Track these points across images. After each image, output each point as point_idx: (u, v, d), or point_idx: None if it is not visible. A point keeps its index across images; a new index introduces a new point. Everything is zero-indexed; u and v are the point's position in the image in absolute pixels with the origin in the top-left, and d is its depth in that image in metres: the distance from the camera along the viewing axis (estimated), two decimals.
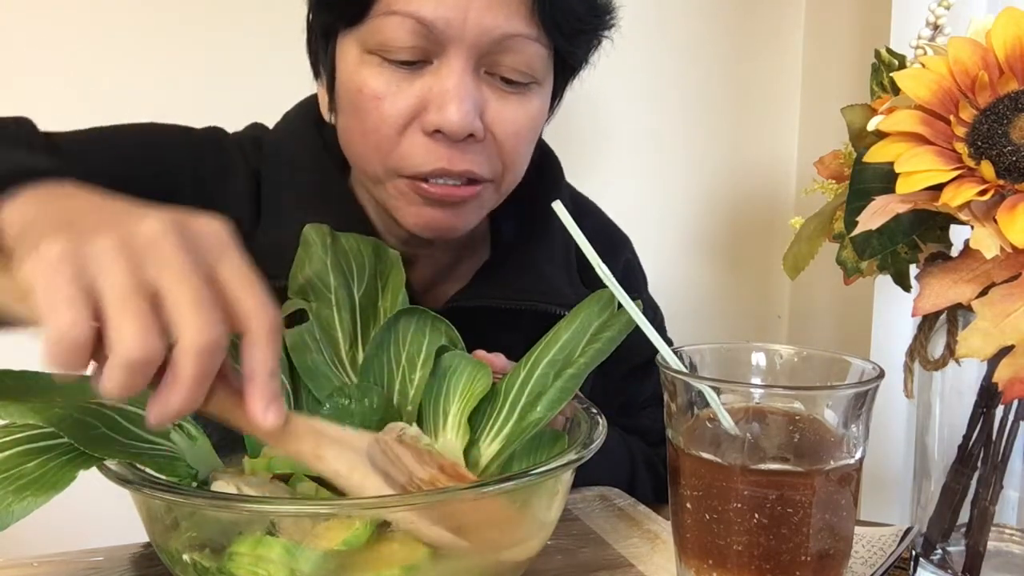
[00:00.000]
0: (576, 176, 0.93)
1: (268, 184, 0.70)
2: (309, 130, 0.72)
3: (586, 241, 0.46)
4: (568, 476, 0.47)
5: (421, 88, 0.60)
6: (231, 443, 0.53)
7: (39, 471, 0.40)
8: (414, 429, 0.55)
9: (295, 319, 0.57)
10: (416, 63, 0.60)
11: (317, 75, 0.69)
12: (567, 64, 0.68)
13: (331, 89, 0.66)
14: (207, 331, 0.35)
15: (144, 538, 0.60)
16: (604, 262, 0.46)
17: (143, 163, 0.67)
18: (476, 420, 0.55)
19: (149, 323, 0.34)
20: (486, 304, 0.70)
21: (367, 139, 0.63)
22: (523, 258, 0.74)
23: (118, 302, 0.34)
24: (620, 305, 0.53)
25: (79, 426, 0.43)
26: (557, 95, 0.71)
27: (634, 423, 0.81)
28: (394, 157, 0.63)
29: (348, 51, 0.62)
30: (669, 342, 0.47)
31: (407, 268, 0.61)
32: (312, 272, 0.58)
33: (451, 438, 0.54)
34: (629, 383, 0.82)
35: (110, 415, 0.45)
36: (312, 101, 0.74)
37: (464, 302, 0.70)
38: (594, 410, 0.52)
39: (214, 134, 0.73)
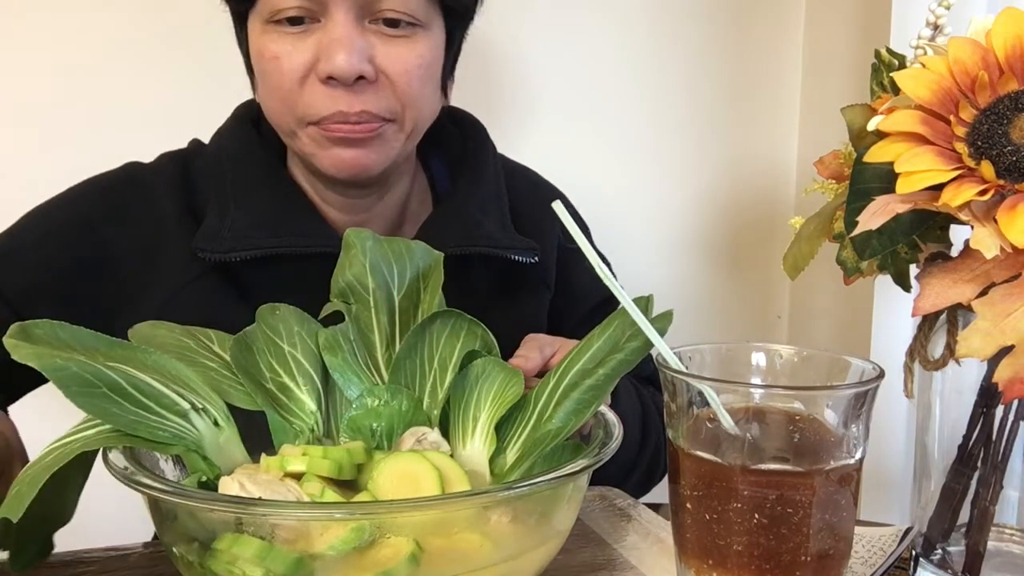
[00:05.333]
0: (575, 175, 0.93)
1: (211, 181, 0.75)
2: (245, 127, 0.78)
3: (585, 240, 0.46)
4: (576, 485, 0.47)
5: (313, 44, 0.68)
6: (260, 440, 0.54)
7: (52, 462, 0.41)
8: (435, 434, 0.54)
9: (335, 320, 0.58)
10: (306, 26, 0.68)
11: (246, 62, 0.76)
12: (451, 9, 0.74)
13: (250, 68, 0.75)
14: None
15: (144, 538, 0.60)
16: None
17: (72, 236, 0.73)
18: (505, 428, 0.54)
19: None
20: None
21: (275, 96, 0.70)
22: (457, 208, 0.80)
23: None
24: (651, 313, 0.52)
25: (75, 379, 0.43)
26: (452, 41, 0.76)
27: None
28: (300, 107, 0.69)
29: (254, 28, 0.71)
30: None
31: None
32: (352, 275, 0.59)
33: (478, 446, 0.54)
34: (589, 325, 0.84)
35: (115, 379, 0.45)
36: (247, 103, 0.81)
37: None
38: (610, 417, 0.51)
39: (125, 174, 0.78)
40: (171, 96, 1.06)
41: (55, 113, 1.03)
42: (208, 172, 0.76)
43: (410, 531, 0.41)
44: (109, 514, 0.71)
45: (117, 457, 0.43)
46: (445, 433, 0.56)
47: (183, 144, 0.81)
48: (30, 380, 0.68)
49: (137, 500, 0.42)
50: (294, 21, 0.68)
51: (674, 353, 0.45)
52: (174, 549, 0.42)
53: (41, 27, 1.02)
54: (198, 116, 0.82)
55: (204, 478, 0.48)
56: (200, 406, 0.49)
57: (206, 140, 0.80)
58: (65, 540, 0.59)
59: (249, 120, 0.79)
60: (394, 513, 0.40)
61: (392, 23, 0.69)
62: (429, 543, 0.41)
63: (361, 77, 0.67)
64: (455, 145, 0.86)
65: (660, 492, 0.83)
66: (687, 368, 0.45)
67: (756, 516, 0.41)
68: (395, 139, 0.72)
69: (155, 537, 0.74)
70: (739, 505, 0.41)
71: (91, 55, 1.04)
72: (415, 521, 0.41)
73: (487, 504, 0.43)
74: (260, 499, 0.43)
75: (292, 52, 0.68)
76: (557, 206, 0.47)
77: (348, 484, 0.50)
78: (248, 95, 0.79)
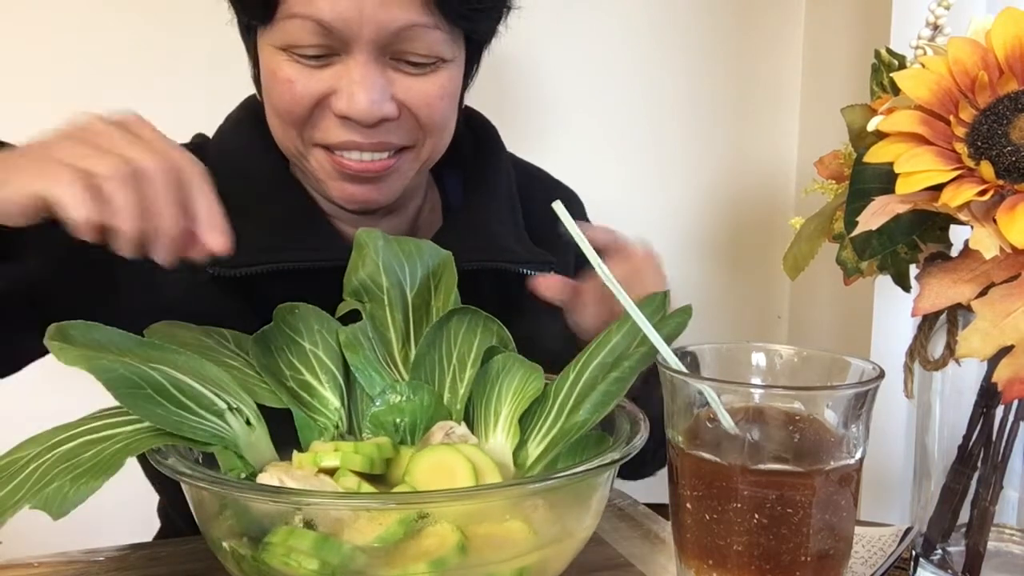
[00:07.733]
0: (575, 175, 0.93)
1: (216, 184, 0.69)
2: (252, 126, 0.74)
3: (585, 240, 0.46)
4: (604, 479, 0.47)
5: (330, 75, 0.64)
6: (286, 439, 0.54)
7: (94, 459, 0.41)
8: (462, 428, 0.55)
9: (349, 319, 0.58)
10: (323, 57, 0.64)
11: (252, 70, 0.72)
12: (476, 42, 0.71)
13: (256, 75, 0.71)
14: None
15: (145, 538, 0.60)
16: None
17: None
18: (526, 421, 0.55)
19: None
20: None
21: (284, 117, 0.66)
22: (471, 221, 0.76)
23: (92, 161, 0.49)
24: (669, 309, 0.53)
25: (123, 381, 0.44)
26: (472, 65, 0.74)
27: None
28: (308, 128, 0.66)
29: (264, 45, 0.66)
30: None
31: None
32: (365, 274, 0.59)
33: (501, 440, 0.55)
34: None
35: (159, 380, 0.46)
36: (252, 100, 0.76)
37: None
38: (638, 415, 0.52)
39: None
40: (175, 96, 1.06)
41: (59, 114, 1.03)
42: (213, 174, 0.71)
43: (454, 520, 0.42)
44: (108, 514, 0.71)
45: (165, 457, 0.43)
46: (468, 427, 0.57)
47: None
48: (30, 351, 0.65)
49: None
50: (311, 56, 0.64)
51: (674, 353, 0.45)
52: (224, 544, 0.43)
53: (42, 27, 1.02)
54: (202, 117, 0.81)
55: (242, 475, 0.49)
56: (235, 406, 0.50)
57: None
58: (64, 540, 0.59)
59: (254, 118, 0.74)
60: (445, 503, 0.42)
61: (417, 64, 0.65)
62: (472, 532, 0.42)
63: (383, 119, 0.64)
64: (467, 151, 0.82)
65: (660, 492, 0.83)
66: (687, 368, 0.45)
67: (756, 516, 0.41)
68: (410, 168, 0.70)
69: (155, 537, 0.74)
70: (739, 505, 0.41)
71: (93, 56, 1.04)
72: (461, 511, 0.42)
73: (534, 492, 0.44)
74: (326, 491, 0.45)
75: (308, 79, 0.64)
76: (557, 205, 0.46)
77: (377, 479, 0.50)
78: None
